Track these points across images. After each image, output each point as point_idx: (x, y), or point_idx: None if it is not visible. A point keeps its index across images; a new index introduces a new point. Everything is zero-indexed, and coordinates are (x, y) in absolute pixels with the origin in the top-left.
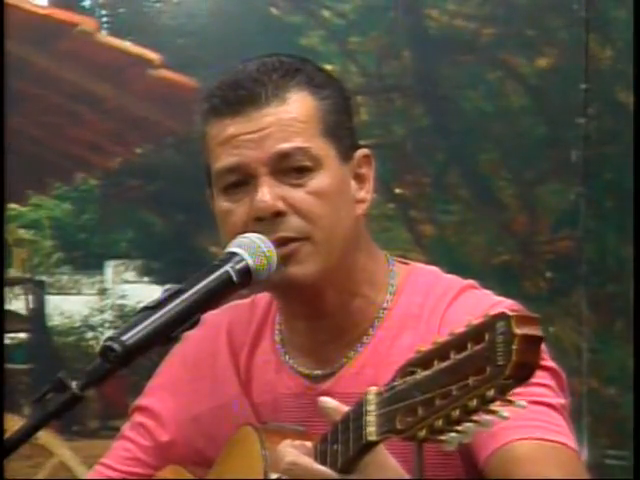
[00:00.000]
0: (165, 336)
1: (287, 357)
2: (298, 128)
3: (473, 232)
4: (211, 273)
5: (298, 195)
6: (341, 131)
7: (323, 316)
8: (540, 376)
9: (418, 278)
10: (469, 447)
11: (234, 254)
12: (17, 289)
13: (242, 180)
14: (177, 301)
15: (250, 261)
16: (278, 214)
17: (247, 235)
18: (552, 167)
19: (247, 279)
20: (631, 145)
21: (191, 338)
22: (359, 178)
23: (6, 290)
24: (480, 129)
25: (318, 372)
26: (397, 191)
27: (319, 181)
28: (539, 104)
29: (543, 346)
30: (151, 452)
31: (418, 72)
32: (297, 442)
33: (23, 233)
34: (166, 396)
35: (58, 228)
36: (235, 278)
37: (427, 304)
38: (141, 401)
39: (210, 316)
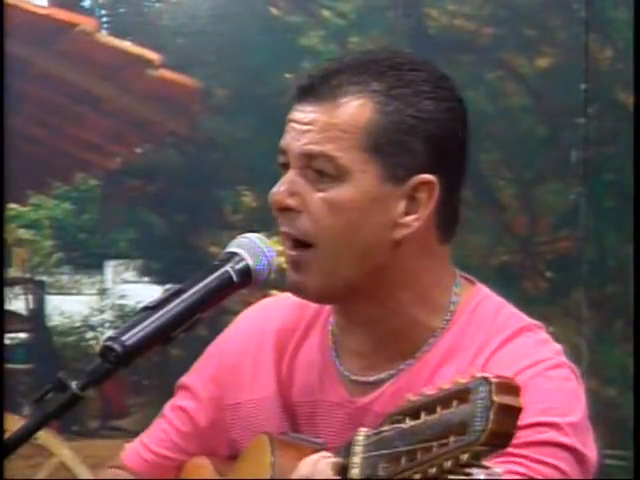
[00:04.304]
0: (165, 336)
1: (335, 356)
2: (335, 135)
3: (473, 232)
4: (211, 273)
5: (315, 198)
6: (396, 149)
7: (363, 324)
8: (556, 456)
9: (478, 307)
10: None
11: (234, 254)
12: (17, 289)
13: (287, 163)
14: (177, 301)
15: (250, 261)
16: (287, 209)
17: (247, 235)
18: (552, 167)
19: (247, 279)
20: (631, 145)
21: (244, 321)
22: (412, 202)
23: (6, 290)
24: (480, 129)
25: (361, 378)
26: None
27: (339, 192)
28: (539, 104)
29: (581, 425)
30: (188, 438)
31: None
32: (330, 460)
33: (23, 233)
34: (208, 377)
35: (58, 228)
36: (235, 278)
37: (479, 336)
38: (186, 379)
39: (267, 302)
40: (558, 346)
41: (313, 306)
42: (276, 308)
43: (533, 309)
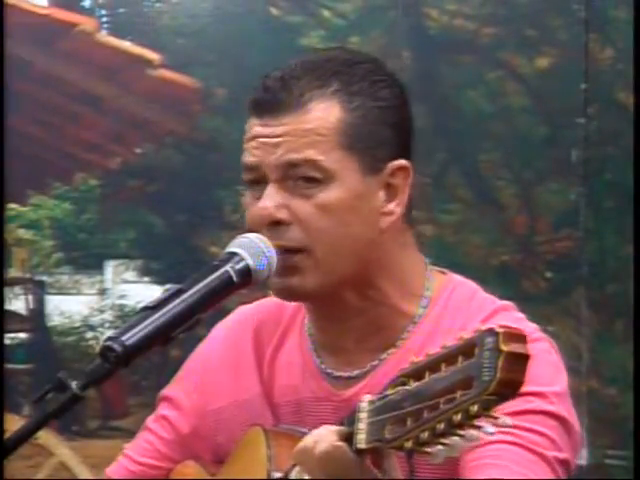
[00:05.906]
0: (165, 336)
1: (316, 355)
2: (313, 139)
3: (473, 232)
4: (211, 273)
5: (303, 207)
6: (370, 142)
7: (344, 319)
8: (544, 424)
9: (453, 293)
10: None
11: (234, 254)
12: (17, 289)
13: (259, 179)
14: (177, 301)
15: (250, 261)
16: (277, 223)
17: (247, 235)
18: (552, 167)
19: (247, 279)
20: (631, 145)
21: (221, 330)
22: (390, 189)
23: (6, 290)
24: (480, 129)
25: (344, 374)
26: None
27: (328, 195)
28: (539, 104)
29: (566, 395)
30: (173, 445)
31: (418, 72)
32: (333, 428)
33: (23, 233)
34: (191, 386)
35: (58, 228)
36: (235, 278)
37: (457, 321)
38: (167, 391)
39: (242, 310)
40: (534, 324)
41: (289, 309)
42: (252, 313)
43: (533, 309)
